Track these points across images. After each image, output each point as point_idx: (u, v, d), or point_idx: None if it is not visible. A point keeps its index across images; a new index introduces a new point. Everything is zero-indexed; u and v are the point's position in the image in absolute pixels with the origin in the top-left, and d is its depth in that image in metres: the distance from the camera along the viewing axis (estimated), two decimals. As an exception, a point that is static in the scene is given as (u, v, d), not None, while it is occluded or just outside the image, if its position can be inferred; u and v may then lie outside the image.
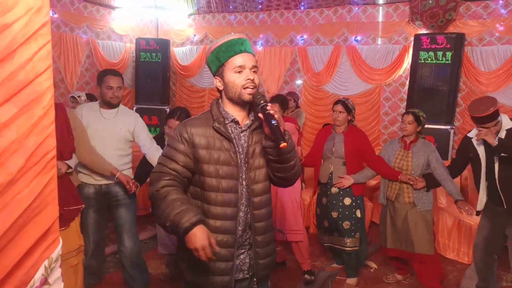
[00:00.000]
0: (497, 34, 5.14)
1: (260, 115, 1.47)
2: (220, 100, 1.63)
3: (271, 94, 6.61)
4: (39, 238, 0.92)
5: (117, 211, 2.83)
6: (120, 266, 3.09)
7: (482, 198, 2.85)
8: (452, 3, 5.22)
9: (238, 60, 1.52)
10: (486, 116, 2.59)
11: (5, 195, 0.81)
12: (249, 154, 1.58)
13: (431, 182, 3.09)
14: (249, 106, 1.60)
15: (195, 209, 1.48)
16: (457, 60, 5.13)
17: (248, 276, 1.65)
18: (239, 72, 1.52)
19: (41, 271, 0.93)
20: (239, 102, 1.56)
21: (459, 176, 4.01)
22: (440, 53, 5.15)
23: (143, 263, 3.01)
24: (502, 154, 2.64)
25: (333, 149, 3.24)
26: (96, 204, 2.80)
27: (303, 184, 4.63)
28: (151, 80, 6.86)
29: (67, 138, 2.34)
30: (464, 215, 3.11)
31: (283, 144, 1.40)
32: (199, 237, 1.38)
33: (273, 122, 1.43)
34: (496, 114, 2.62)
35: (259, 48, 6.69)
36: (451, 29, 5.33)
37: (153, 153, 2.81)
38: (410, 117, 3.17)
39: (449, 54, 5.10)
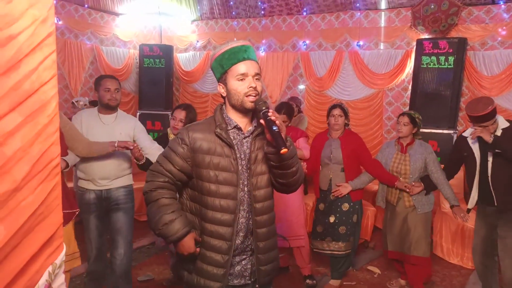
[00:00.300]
0: (499, 39, 5.14)
1: (262, 121, 1.48)
2: (224, 106, 1.64)
3: (274, 99, 6.65)
4: (43, 244, 0.93)
5: (116, 215, 2.80)
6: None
7: (474, 196, 2.89)
8: (454, 8, 5.23)
9: (241, 68, 1.53)
10: (485, 114, 2.64)
11: (10, 202, 0.82)
12: (252, 160, 1.59)
13: (429, 185, 3.10)
14: (252, 112, 1.61)
15: (183, 219, 1.56)
16: (459, 65, 5.12)
17: (250, 282, 1.65)
18: (241, 80, 1.53)
19: (45, 276, 0.94)
20: (241, 109, 1.57)
21: (463, 178, 4.01)
22: (442, 58, 5.15)
23: (130, 273, 2.93)
24: (496, 151, 2.67)
25: (331, 155, 3.24)
26: (96, 210, 2.78)
27: (306, 189, 4.63)
28: (155, 86, 6.89)
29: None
30: (459, 221, 3.11)
31: (283, 150, 1.41)
32: (186, 246, 1.56)
33: (274, 128, 1.43)
34: (494, 113, 2.67)
35: (261, 53, 6.71)
36: (453, 33, 5.33)
37: (155, 152, 2.78)
38: (405, 119, 3.17)
39: (451, 58, 5.10)
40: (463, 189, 4.41)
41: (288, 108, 3.41)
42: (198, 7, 7.22)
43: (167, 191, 1.61)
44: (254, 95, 1.53)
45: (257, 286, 1.65)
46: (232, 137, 1.58)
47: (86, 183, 2.76)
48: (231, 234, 1.57)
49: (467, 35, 5.24)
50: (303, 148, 3.31)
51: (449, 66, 5.13)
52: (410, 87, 5.61)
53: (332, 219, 3.22)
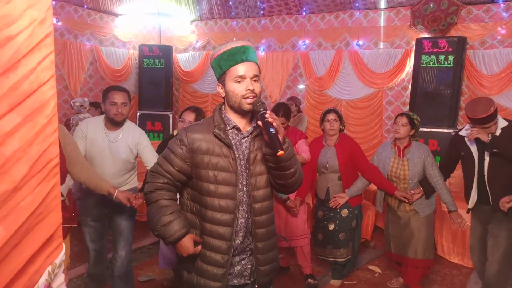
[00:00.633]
0: (499, 37, 5.15)
1: (259, 122, 1.48)
2: (223, 106, 1.64)
3: (274, 99, 6.65)
4: (42, 244, 0.93)
5: (118, 218, 2.78)
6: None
7: (474, 196, 2.86)
8: (453, 7, 5.23)
9: (239, 69, 1.52)
10: (487, 116, 2.60)
11: (9, 202, 0.82)
12: (250, 160, 1.58)
13: (429, 189, 3.05)
14: (252, 112, 1.60)
15: (181, 220, 1.57)
16: (459, 64, 5.13)
17: (249, 282, 1.65)
18: (239, 82, 1.52)
19: (45, 276, 0.94)
20: (239, 111, 1.57)
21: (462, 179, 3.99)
22: (442, 57, 5.15)
23: (131, 273, 2.92)
24: (494, 150, 2.65)
25: (327, 165, 3.17)
26: (96, 213, 2.74)
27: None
28: (154, 86, 6.90)
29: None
30: (456, 226, 3.06)
31: (280, 153, 1.40)
32: (185, 248, 1.57)
33: (271, 130, 1.43)
34: (495, 114, 2.64)
35: (261, 53, 6.72)
36: (453, 32, 5.34)
37: None
38: (404, 119, 3.05)
39: (451, 57, 5.10)
40: (463, 188, 4.40)
41: (286, 109, 3.35)
42: (198, 8, 7.23)
43: (166, 192, 1.62)
44: (251, 97, 1.52)
45: (256, 286, 1.65)
46: (230, 137, 1.58)
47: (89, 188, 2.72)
48: (231, 234, 1.57)
49: (467, 34, 5.24)
50: (302, 151, 3.24)
51: (449, 65, 5.13)
52: (410, 86, 5.61)
53: (331, 226, 3.19)
